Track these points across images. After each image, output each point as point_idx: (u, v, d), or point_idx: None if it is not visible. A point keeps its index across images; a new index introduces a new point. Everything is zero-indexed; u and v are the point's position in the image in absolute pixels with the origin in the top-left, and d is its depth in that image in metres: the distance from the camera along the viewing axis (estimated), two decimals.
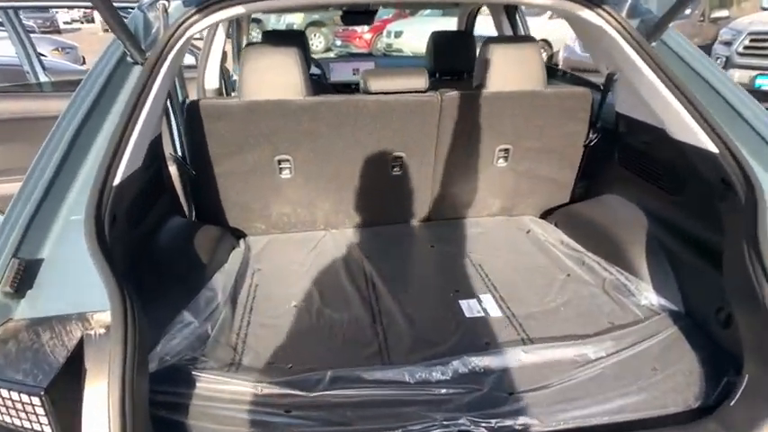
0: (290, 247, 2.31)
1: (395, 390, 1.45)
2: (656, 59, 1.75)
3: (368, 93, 2.10)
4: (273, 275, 2.07)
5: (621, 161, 2.21)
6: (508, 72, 2.14)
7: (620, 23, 1.84)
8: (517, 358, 1.54)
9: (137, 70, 1.57)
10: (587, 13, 1.88)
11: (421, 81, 2.09)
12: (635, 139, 2.09)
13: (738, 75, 6.01)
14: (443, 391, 1.44)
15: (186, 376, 1.45)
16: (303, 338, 1.70)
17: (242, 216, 2.35)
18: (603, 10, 1.86)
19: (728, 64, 6.33)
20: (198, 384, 1.43)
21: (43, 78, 3.79)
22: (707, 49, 6.61)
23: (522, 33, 3.40)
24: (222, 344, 1.63)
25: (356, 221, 2.45)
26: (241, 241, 2.33)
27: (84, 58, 9.68)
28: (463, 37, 3.40)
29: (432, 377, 1.48)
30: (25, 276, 1.15)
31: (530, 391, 1.43)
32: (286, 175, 2.25)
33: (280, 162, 2.21)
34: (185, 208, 2.29)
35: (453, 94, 2.11)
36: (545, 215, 2.59)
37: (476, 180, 2.42)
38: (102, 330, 1.12)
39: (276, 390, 1.43)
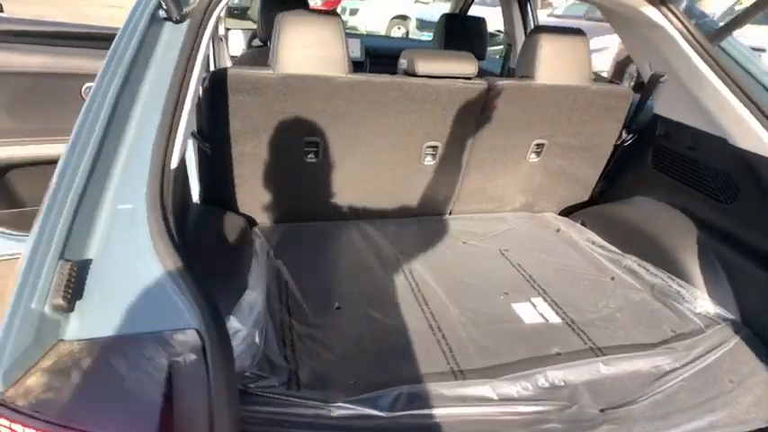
0: (313, 238, 2.10)
1: (480, 407, 1.32)
2: (722, 63, 1.72)
3: (413, 75, 1.92)
4: (303, 271, 1.86)
5: (656, 164, 2.18)
6: (557, 65, 2.03)
7: (682, 23, 1.80)
8: (596, 370, 1.47)
9: (168, 28, 1.32)
10: (650, 11, 1.81)
11: (471, 67, 1.94)
12: (677, 143, 2.06)
13: None
14: (531, 408, 1.33)
15: (245, 396, 1.25)
16: (359, 347, 1.53)
17: (258, 201, 2.10)
18: (668, 8, 1.80)
19: None
20: (261, 408, 1.22)
21: None
22: None
23: (533, 24, 3.31)
24: (274, 355, 1.42)
25: (381, 212, 2.27)
26: (256, 230, 2.09)
27: (1, 6, 8.57)
28: (475, 22, 3.25)
29: (514, 393, 1.37)
30: (75, 283, 0.90)
31: (619, 406, 1.36)
32: (311, 158, 2.03)
33: (306, 144, 1.99)
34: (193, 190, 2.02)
35: (502, 83, 1.98)
36: (565, 212, 2.54)
37: (506, 174, 2.31)
38: (193, 356, 0.89)
39: (349, 411, 1.26)
